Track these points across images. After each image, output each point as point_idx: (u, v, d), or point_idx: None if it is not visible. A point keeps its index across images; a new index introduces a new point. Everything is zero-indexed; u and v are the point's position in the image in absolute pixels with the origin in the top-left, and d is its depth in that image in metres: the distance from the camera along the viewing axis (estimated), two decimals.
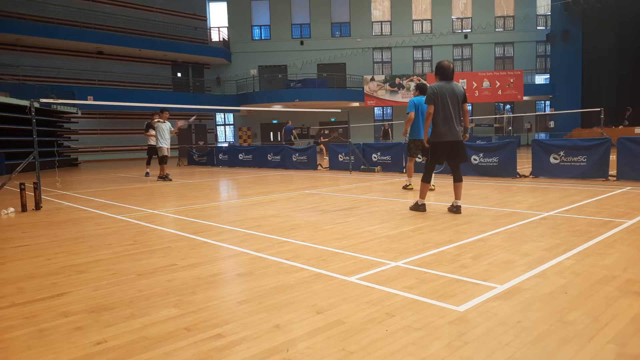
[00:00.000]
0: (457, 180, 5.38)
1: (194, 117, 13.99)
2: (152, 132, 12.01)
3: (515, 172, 9.03)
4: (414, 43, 31.60)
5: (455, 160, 5.41)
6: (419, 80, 28.97)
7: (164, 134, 11.26)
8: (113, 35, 26.41)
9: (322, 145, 18.05)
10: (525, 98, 29.46)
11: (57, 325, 2.41)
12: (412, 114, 7.29)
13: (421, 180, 5.56)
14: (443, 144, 5.28)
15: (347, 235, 4.35)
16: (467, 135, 5.46)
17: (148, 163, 13.22)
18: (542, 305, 2.45)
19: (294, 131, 18.23)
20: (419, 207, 5.55)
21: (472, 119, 29.05)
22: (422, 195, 5.54)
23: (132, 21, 27.82)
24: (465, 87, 28.95)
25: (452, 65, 5.29)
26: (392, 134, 23.38)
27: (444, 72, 5.22)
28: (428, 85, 7.38)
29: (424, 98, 7.18)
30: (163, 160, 11.36)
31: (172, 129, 11.54)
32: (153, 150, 12.35)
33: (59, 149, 20.08)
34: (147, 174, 12.91)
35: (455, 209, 5.35)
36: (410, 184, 7.95)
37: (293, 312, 2.48)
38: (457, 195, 5.36)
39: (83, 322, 2.44)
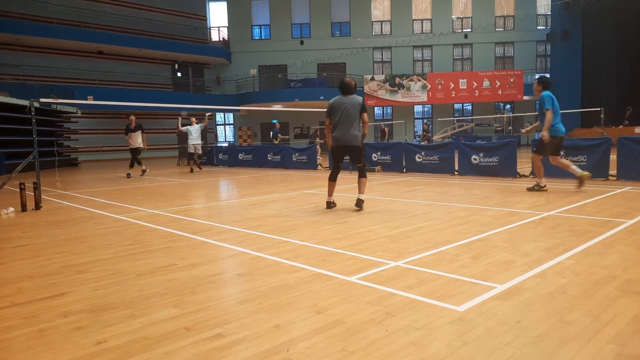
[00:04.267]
0: (360, 177, 5.98)
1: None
2: (132, 135, 12.58)
3: (515, 172, 9.03)
4: (414, 43, 31.58)
5: (354, 162, 6.06)
6: (419, 80, 29.09)
7: (192, 134, 14.07)
8: (113, 35, 26.39)
9: (317, 146, 18.14)
10: (525, 98, 29.45)
11: (57, 325, 2.41)
12: (551, 112, 6.78)
13: (328, 179, 6.10)
14: (337, 148, 5.93)
15: (347, 235, 4.35)
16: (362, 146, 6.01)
17: (132, 165, 13.17)
18: (542, 305, 2.45)
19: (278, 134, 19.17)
20: (329, 204, 6.02)
21: (472, 119, 29.08)
22: (329, 193, 6.09)
23: (132, 21, 27.80)
24: (465, 87, 28.98)
25: (353, 83, 6.01)
26: (387, 134, 23.36)
27: (342, 88, 5.93)
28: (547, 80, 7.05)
29: (549, 93, 6.87)
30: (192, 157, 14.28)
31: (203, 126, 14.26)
32: (135, 151, 12.73)
33: (58, 149, 20.06)
34: (128, 175, 12.86)
35: (357, 202, 5.80)
36: (545, 185, 7.00)
37: (293, 312, 2.48)
38: (360, 190, 5.90)
39: (83, 322, 2.44)
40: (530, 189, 7.05)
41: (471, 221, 4.84)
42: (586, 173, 6.93)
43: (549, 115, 6.76)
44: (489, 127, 30.23)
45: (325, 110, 5.98)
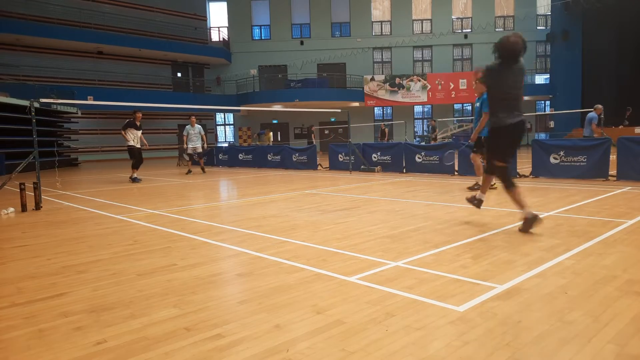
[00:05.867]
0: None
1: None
2: (135, 132, 11.51)
3: (516, 172, 9.03)
4: (414, 43, 31.59)
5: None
6: (419, 80, 29.08)
7: (192, 137, 13.77)
8: (113, 35, 26.40)
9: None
10: (525, 98, 29.15)
11: (57, 325, 2.41)
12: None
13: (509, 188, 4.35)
14: (514, 138, 4.32)
15: (347, 235, 4.35)
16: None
17: (137, 166, 11.87)
18: (542, 305, 2.45)
19: (256, 135, 18.85)
20: (478, 202, 4.84)
21: (471, 119, 29.06)
22: (483, 190, 4.84)
23: (132, 21, 27.81)
24: (465, 87, 28.97)
25: (520, 43, 4.33)
26: (388, 134, 23.36)
27: (508, 52, 4.30)
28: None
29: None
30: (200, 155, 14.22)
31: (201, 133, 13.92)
32: (134, 151, 11.53)
33: (59, 149, 20.06)
34: (134, 179, 11.57)
35: (525, 218, 4.20)
36: (494, 184, 7.17)
37: (293, 312, 2.48)
38: (483, 189, 4.83)
39: (83, 322, 2.44)
40: (470, 188, 7.37)
41: (471, 221, 4.84)
42: (495, 184, 7.31)
43: (486, 117, 6.92)
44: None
45: (482, 75, 4.41)
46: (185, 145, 13.98)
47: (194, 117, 14.06)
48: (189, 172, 13.76)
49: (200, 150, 14.01)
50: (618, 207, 5.40)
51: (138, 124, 11.60)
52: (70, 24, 25.31)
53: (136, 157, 11.60)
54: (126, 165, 12.85)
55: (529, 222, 4.10)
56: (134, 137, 11.57)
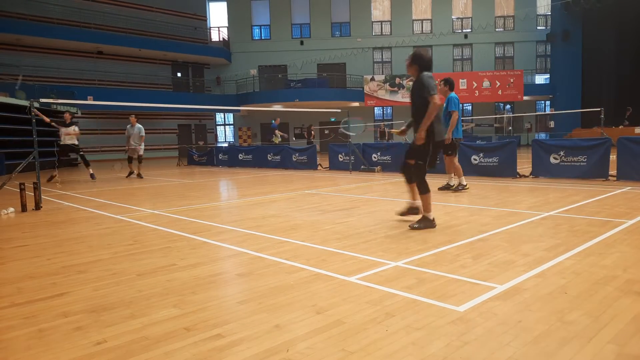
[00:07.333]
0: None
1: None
2: (62, 129, 11.81)
3: (515, 172, 9.03)
4: (414, 43, 31.54)
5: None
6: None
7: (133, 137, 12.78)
8: (113, 35, 26.38)
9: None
10: (525, 98, 29.45)
11: (57, 325, 2.41)
12: (457, 113, 7.11)
13: (425, 193, 4.63)
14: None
15: (347, 235, 4.35)
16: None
17: (88, 165, 12.16)
18: (542, 305, 2.45)
19: (277, 131, 18.06)
20: (429, 223, 4.54)
21: (472, 119, 29.11)
22: (429, 208, 4.60)
23: (132, 21, 27.80)
24: (465, 87, 28.96)
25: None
26: (388, 134, 23.34)
27: (429, 63, 4.53)
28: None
29: (456, 95, 7.20)
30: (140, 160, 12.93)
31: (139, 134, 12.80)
32: (65, 149, 11.99)
33: (58, 149, 20.02)
34: (91, 175, 11.92)
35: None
36: (467, 185, 7.37)
37: (293, 312, 2.48)
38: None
39: (83, 322, 2.44)
40: (454, 190, 7.32)
41: (471, 221, 4.84)
42: (467, 186, 7.36)
43: (455, 116, 7.10)
44: (490, 127, 30.28)
45: (430, 84, 4.34)
46: (127, 147, 12.90)
47: (133, 116, 12.97)
48: (131, 173, 12.92)
49: (141, 152, 12.80)
50: (618, 207, 5.40)
51: (67, 122, 12.00)
52: (70, 24, 25.29)
53: (64, 154, 11.89)
54: (125, 165, 12.80)
55: (414, 211, 4.75)
56: (64, 135, 11.93)
